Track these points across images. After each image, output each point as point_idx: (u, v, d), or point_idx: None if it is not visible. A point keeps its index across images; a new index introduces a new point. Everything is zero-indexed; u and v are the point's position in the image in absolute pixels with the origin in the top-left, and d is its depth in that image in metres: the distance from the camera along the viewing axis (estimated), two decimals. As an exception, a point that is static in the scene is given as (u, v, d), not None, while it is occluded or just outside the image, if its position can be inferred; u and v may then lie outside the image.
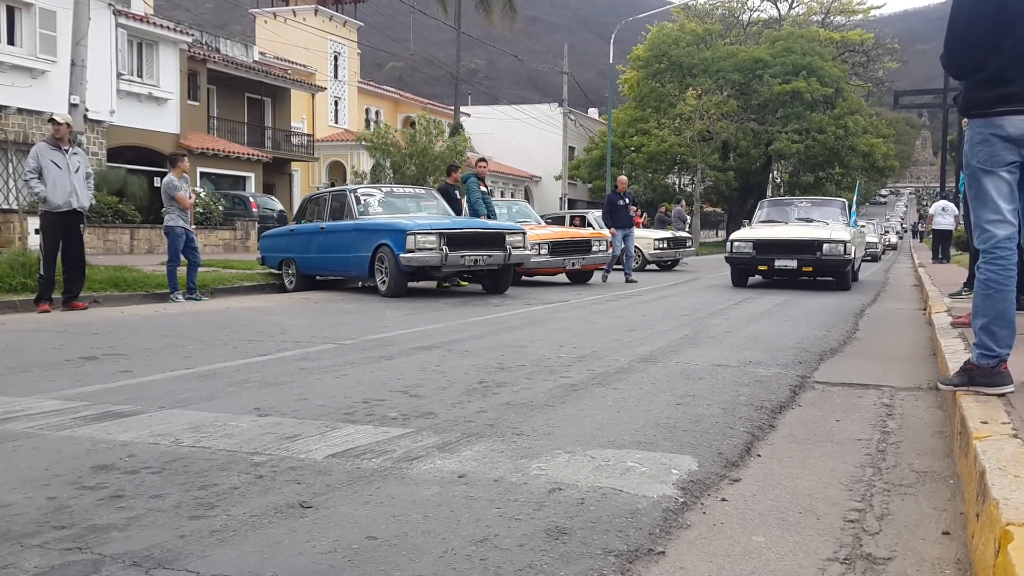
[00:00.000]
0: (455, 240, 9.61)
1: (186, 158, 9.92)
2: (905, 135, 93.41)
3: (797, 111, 38.46)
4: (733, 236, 12.24)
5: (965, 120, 3.40)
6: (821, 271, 11.32)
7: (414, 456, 2.80)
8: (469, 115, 43.22)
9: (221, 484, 2.49)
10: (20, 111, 20.78)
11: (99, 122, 22.11)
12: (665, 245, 17.20)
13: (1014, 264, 3.15)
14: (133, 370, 4.61)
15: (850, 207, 13.10)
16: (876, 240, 26.53)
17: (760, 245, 11.43)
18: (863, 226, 12.17)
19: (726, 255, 11.97)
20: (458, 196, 12.16)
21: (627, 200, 13.70)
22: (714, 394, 3.94)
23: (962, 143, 7.50)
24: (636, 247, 17.32)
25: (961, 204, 13.14)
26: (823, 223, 12.08)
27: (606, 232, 13.67)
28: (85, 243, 8.68)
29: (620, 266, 13.68)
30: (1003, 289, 3.12)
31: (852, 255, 11.07)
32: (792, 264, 11.11)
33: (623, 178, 14.77)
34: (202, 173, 26.20)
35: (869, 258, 26.05)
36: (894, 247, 40.42)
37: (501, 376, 4.39)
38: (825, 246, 10.97)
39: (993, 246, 3.14)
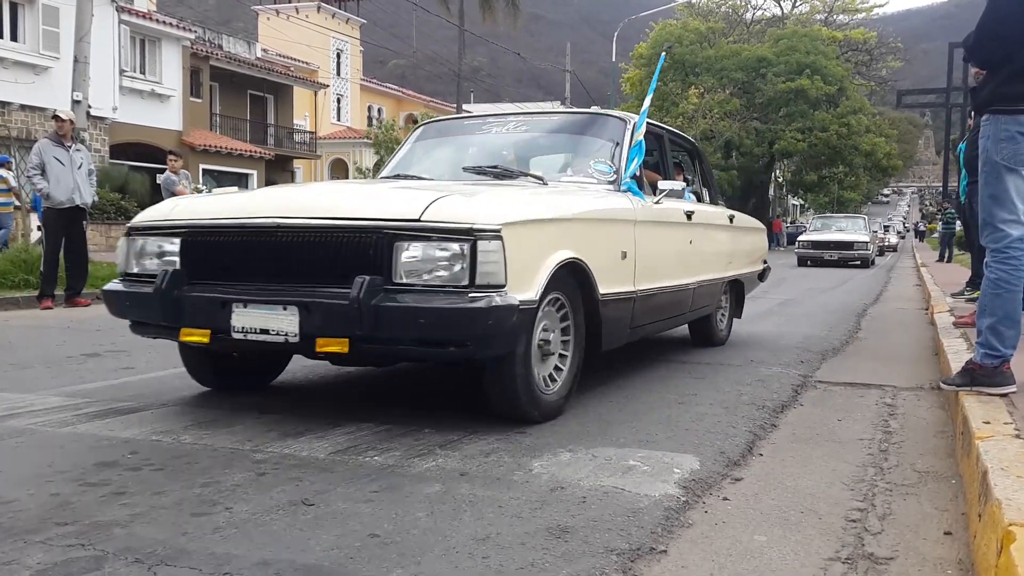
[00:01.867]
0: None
1: (175, 156, 9.90)
2: (908, 134, 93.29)
3: (801, 109, 38.39)
4: None
5: (972, 117, 3.36)
6: None
7: (416, 454, 2.80)
8: (472, 112, 43.20)
9: (223, 481, 2.49)
10: (23, 107, 20.80)
11: (102, 119, 22.12)
12: None
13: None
14: (135, 367, 4.62)
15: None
16: (864, 239, 20.89)
17: None
18: (677, 189, 4.28)
19: None
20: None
21: None
22: (716, 393, 3.94)
23: (963, 142, 7.48)
24: None
25: (964, 203, 12.32)
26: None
27: None
28: (88, 240, 8.69)
29: None
30: (1013, 289, 3.11)
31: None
32: None
33: None
34: (204, 170, 26.22)
35: (857, 262, 20.15)
36: (894, 248, 40.27)
37: (503, 374, 4.38)
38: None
39: (1006, 246, 3.13)
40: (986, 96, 3.22)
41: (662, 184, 4.20)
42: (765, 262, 6.42)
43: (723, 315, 5.73)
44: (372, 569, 1.87)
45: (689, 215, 4.66)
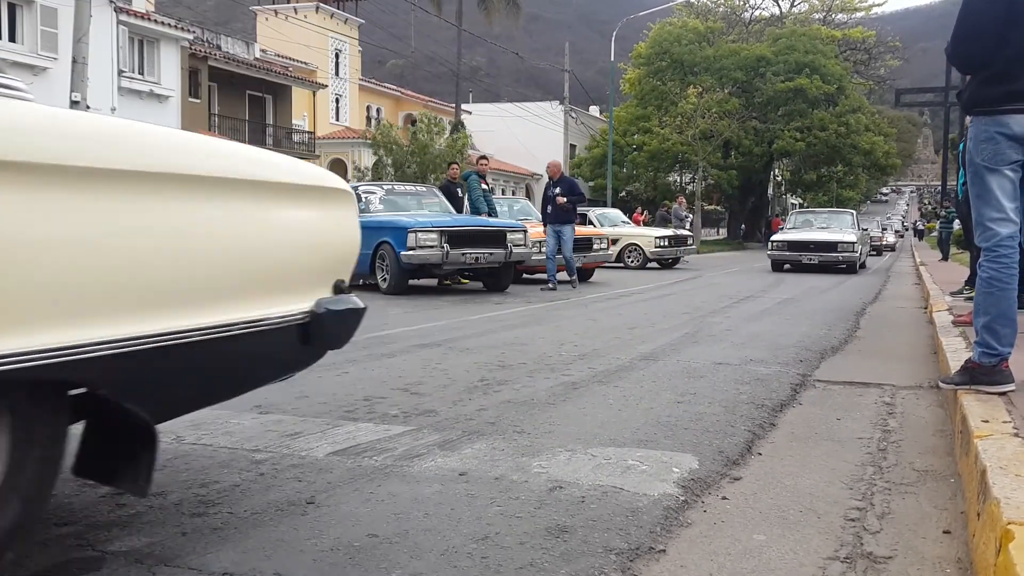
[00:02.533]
0: (456, 238, 9.61)
1: None
2: (907, 133, 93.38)
3: (799, 108, 38.41)
4: None
5: (968, 118, 3.38)
6: None
7: (415, 454, 2.80)
8: (470, 112, 43.16)
9: (222, 482, 2.49)
10: (21, 108, 20.80)
11: (100, 119, 22.12)
12: (666, 243, 17.17)
13: (1016, 262, 3.15)
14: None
15: None
16: (851, 239, 16.50)
17: None
18: None
19: None
20: (459, 194, 12.15)
21: (559, 190, 10.75)
22: (715, 392, 3.94)
23: (962, 141, 7.47)
24: (637, 245, 17.19)
25: (962, 202, 12.28)
26: None
27: (607, 230, 13.58)
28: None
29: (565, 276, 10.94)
30: (1005, 287, 3.12)
31: None
32: None
33: (553, 162, 11.52)
34: (203, 170, 26.18)
35: (842, 266, 16.53)
36: (892, 247, 40.27)
37: (502, 374, 4.39)
38: None
39: (996, 244, 3.15)
40: (967, 99, 3.28)
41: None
42: (341, 288, 2.24)
43: None
44: (371, 570, 1.87)
45: None
